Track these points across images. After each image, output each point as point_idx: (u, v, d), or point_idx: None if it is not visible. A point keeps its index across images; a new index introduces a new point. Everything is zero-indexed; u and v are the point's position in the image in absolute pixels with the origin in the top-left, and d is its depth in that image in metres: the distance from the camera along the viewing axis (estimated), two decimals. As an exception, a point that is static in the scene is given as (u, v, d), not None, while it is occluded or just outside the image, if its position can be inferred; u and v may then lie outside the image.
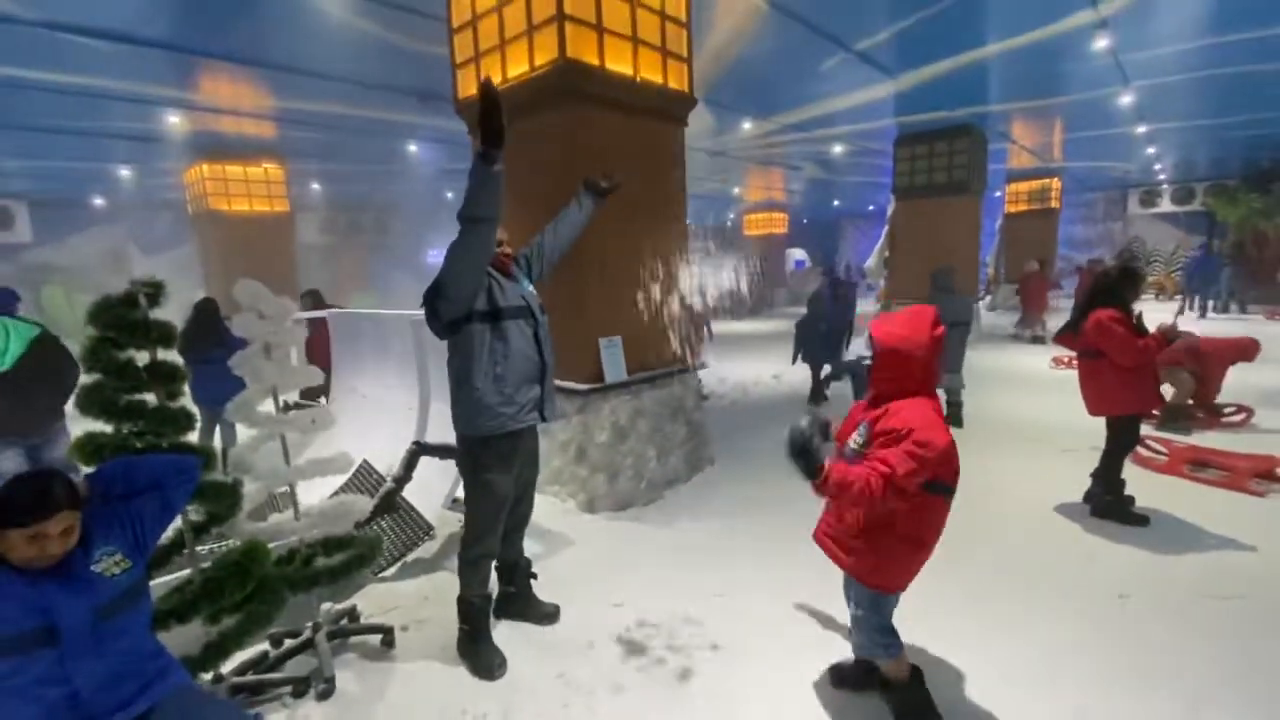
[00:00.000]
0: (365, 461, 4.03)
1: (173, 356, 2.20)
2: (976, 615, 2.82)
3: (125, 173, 11.59)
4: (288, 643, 2.64)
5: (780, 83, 7.75)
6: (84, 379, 2.06)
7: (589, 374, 4.11)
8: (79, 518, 1.57)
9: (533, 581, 2.94)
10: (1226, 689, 2.31)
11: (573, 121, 3.97)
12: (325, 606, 2.83)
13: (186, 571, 2.25)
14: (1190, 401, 5.62)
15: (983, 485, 4.27)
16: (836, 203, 22.37)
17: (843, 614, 2.30)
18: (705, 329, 7.97)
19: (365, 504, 2.83)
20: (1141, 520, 3.68)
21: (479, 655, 2.54)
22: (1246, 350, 5.72)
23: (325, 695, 2.42)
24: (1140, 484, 4.02)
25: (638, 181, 4.26)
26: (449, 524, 3.79)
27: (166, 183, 11.98)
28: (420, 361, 3.92)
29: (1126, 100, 8.57)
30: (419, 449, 3.51)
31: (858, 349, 6.51)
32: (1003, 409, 6.50)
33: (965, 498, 4.27)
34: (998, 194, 16.39)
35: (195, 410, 2.27)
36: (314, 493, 3.26)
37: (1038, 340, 10.87)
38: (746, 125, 9.63)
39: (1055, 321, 9.29)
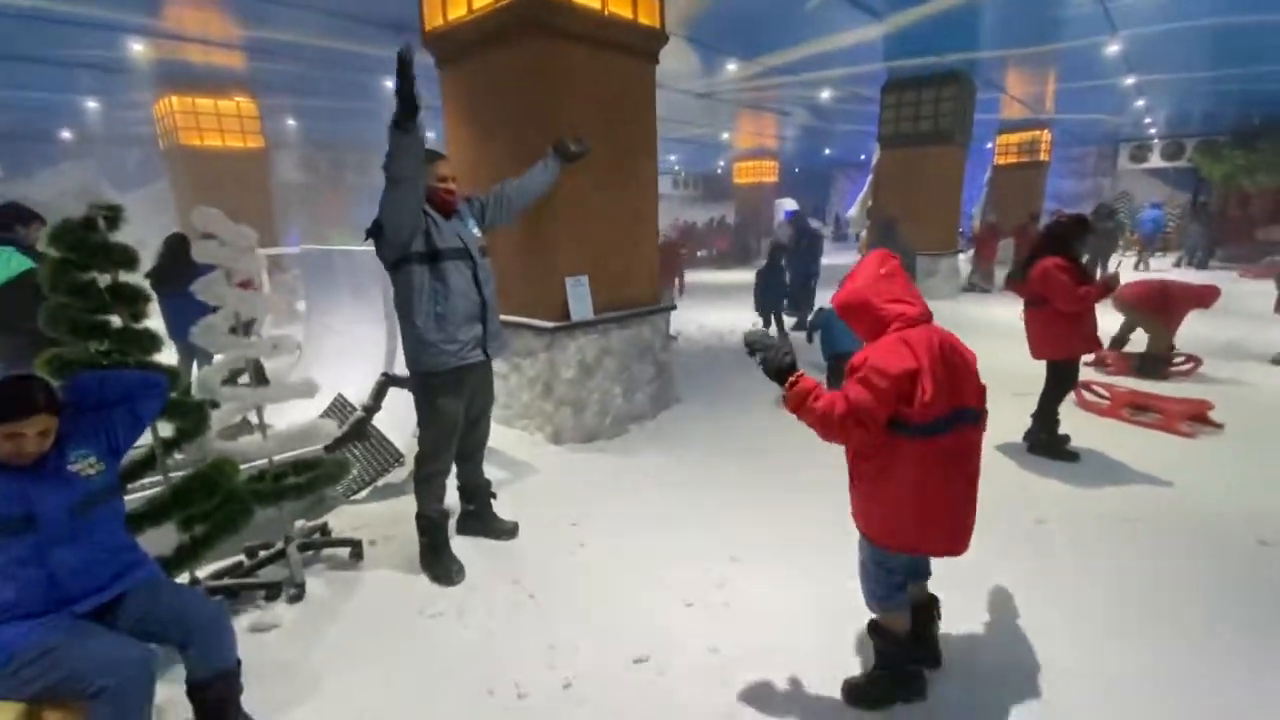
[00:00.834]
0: (340, 395, 4.16)
1: (135, 279, 2.29)
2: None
3: (93, 105, 11.22)
4: (261, 554, 2.84)
5: (765, 22, 7.57)
6: (49, 300, 2.15)
7: (556, 312, 4.21)
8: (55, 422, 1.70)
9: (493, 501, 3.14)
10: (1110, 592, 2.57)
11: (539, 55, 3.94)
12: (299, 524, 3.01)
13: (158, 481, 2.40)
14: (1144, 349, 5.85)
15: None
16: (828, 151, 22.06)
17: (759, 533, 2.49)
18: (678, 278, 8.00)
19: (331, 427, 2.98)
20: (1072, 456, 3.93)
21: (438, 563, 2.76)
22: (1204, 297, 5.91)
23: (296, 599, 2.63)
24: (1080, 426, 4.26)
25: (606, 119, 4.28)
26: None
27: (136, 116, 11.62)
28: (387, 296, 4.00)
29: (1115, 49, 8.46)
30: (387, 380, 3.63)
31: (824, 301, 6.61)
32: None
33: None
34: (989, 146, 16.25)
35: (161, 333, 2.37)
36: (289, 421, 3.40)
37: (975, 288, 11.48)
38: (731, 66, 9.43)
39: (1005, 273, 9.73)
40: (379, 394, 3.65)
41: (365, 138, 16.21)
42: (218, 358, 2.76)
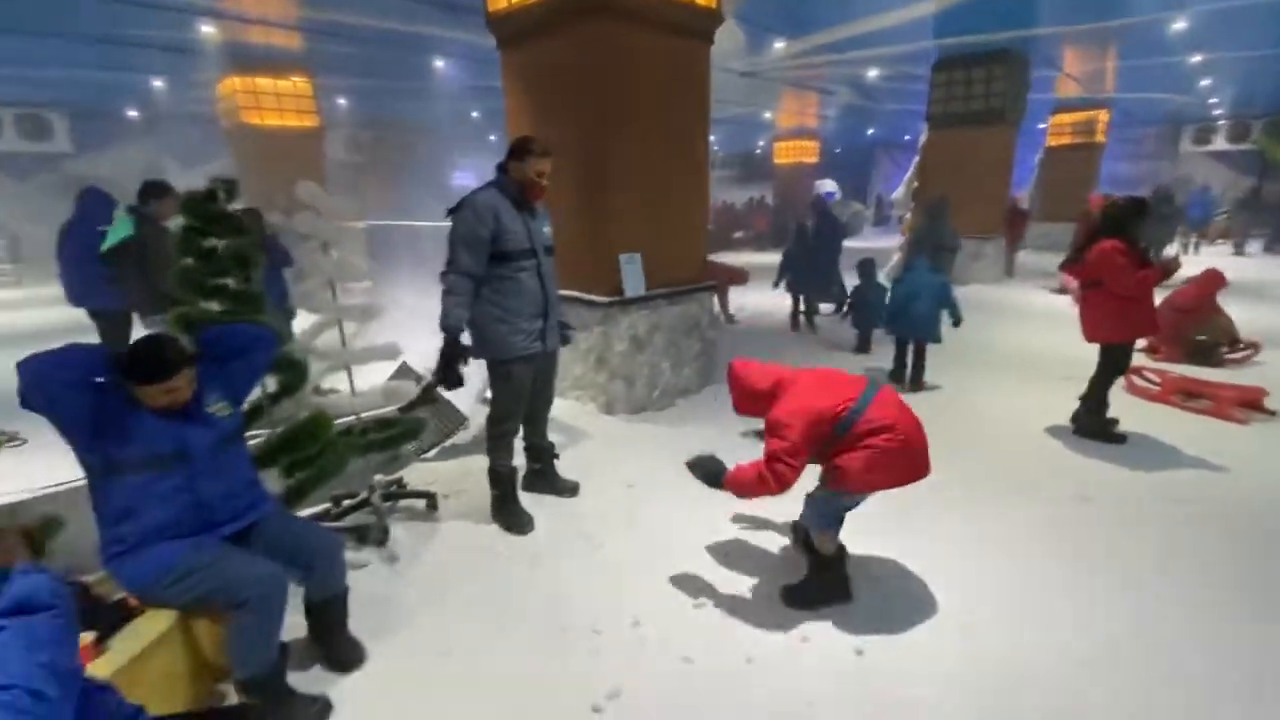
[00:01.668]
0: (405, 363, 4.42)
1: (246, 245, 2.52)
2: (958, 502, 3.17)
3: (159, 84, 11.72)
4: (345, 502, 3.10)
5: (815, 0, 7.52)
6: (178, 263, 2.39)
7: (610, 288, 4.37)
8: (195, 371, 1.93)
9: (556, 461, 3.35)
10: (1155, 571, 2.65)
11: (600, 37, 4.05)
12: (378, 478, 3.26)
13: (263, 432, 2.66)
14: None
15: (981, 405, 4.58)
16: (871, 131, 21.60)
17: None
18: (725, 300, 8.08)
19: (411, 389, 3.21)
20: (1120, 439, 3.95)
21: (509, 514, 2.98)
22: (1207, 284, 5.82)
23: (381, 542, 2.88)
24: (1129, 410, 4.26)
25: (662, 100, 4.38)
26: (480, 416, 4.20)
27: (198, 95, 12.09)
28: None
29: (1181, 26, 8.15)
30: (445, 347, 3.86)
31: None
32: (1010, 340, 6.68)
33: (961, 416, 4.53)
34: (1040, 126, 15.72)
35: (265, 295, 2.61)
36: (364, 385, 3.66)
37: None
38: (779, 45, 9.37)
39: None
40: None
41: (411, 117, 16.53)
42: (305, 321, 3.00)
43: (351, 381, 2.97)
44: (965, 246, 10.14)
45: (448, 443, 3.90)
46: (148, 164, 14.31)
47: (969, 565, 2.68)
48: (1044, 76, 11.30)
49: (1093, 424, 4.02)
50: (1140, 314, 3.80)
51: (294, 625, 2.10)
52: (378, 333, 4.38)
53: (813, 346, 6.59)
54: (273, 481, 2.55)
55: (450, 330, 2.75)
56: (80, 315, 4.91)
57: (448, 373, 2.79)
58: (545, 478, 3.31)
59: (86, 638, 1.69)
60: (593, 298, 4.40)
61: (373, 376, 3.68)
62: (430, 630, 2.34)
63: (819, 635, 2.26)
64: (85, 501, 1.87)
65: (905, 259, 6.53)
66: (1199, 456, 3.76)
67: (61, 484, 2.35)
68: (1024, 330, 7.21)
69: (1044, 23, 8.50)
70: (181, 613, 1.90)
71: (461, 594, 2.54)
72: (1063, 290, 8.46)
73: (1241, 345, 5.76)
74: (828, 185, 23.32)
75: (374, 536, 2.90)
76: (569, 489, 3.30)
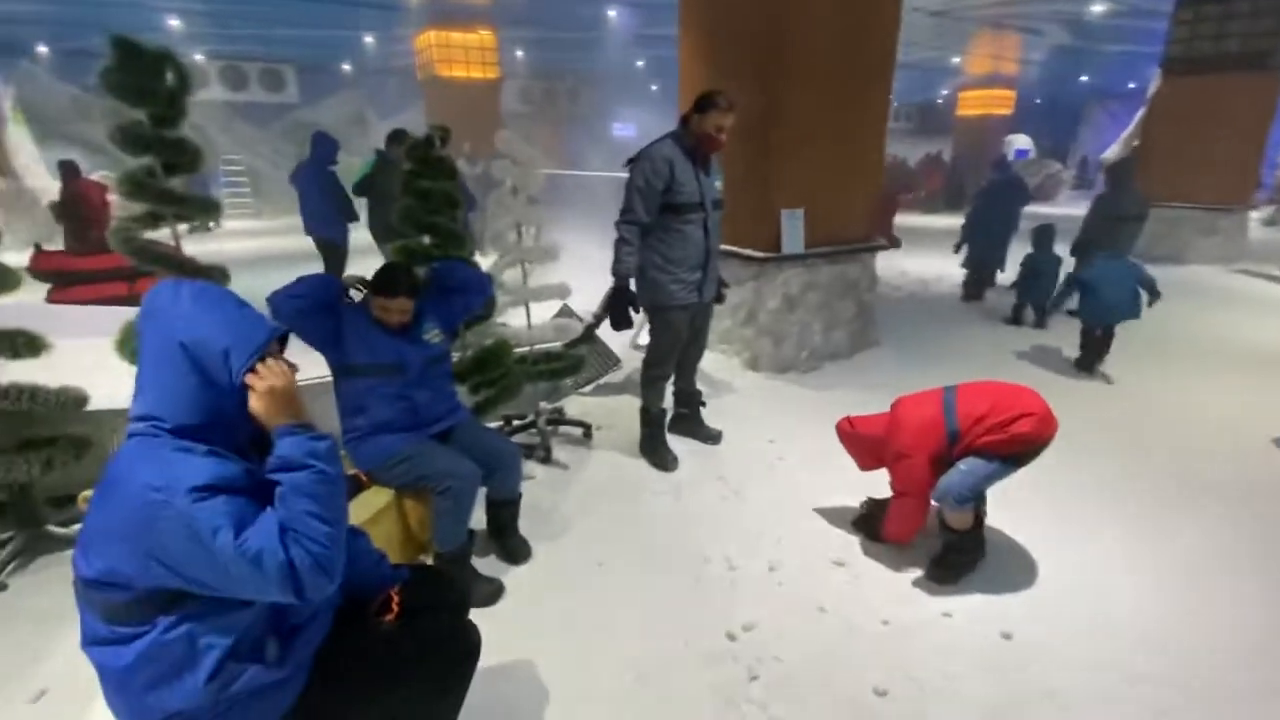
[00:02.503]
0: (565, 305, 4.77)
1: (454, 187, 2.86)
2: (1143, 508, 2.88)
3: (369, 40, 13.12)
4: (514, 423, 3.50)
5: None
6: (401, 202, 2.78)
7: (767, 243, 4.33)
8: (412, 304, 2.26)
9: (702, 409, 3.50)
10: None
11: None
12: (543, 405, 3.63)
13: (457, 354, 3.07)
14: None
15: (1193, 408, 4.02)
16: (1084, 78, 18.65)
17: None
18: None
19: (575, 327, 3.50)
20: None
21: (656, 452, 3.20)
22: None
23: (545, 460, 3.23)
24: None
25: (844, 43, 4.16)
26: (633, 360, 4.45)
27: (399, 50, 13.39)
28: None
29: None
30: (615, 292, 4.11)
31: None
32: (1236, 333, 5.67)
33: (1165, 414, 4.00)
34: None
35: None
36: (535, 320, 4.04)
37: None
38: (981, -21, 8.33)
39: None
40: (606, 306, 4.15)
41: (582, 68, 17.03)
42: (491, 258, 3.35)
43: (529, 315, 3.30)
44: (1195, 219, 8.63)
45: (601, 380, 4.20)
46: (353, 113, 16.24)
47: (1154, 576, 2.44)
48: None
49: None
50: None
51: (478, 520, 2.47)
52: (544, 274, 4.76)
53: (981, 320, 6.06)
54: (462, 396, 2.96)
55: (621, 276, 2.93)
56: (307, 243, 5.87)
57: (617, 315, 2.98)
58: (691, 423, 3.48)
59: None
60: (749, 252, 4.40)
61: (539, 313, 4.06)
62: (583, 542, 2.63)
63: (963, 613, 2.22)
64: (327, 394, 2.31)
65: (1079, 241, 5.78)
66: None
67: (312, 378, 2.91)
68: (1263, 322, 6.06)
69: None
70: (398, 493, 2.32)
71: (613, 515, 2.81)
72: None
73: None
74: (1020, 141, 20.69)
75: (538, 454, 3.26)
76: (712, 436, 3.44)
